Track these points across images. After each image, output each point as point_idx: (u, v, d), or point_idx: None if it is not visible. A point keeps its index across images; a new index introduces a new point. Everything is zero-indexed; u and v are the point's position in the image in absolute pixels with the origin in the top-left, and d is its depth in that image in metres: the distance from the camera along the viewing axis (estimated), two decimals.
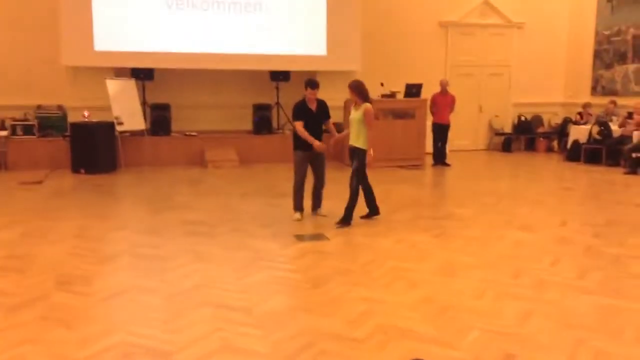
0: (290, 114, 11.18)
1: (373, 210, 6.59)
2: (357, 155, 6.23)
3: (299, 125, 6.34)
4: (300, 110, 6.40)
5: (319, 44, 11.47)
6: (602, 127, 11.26)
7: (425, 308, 4.04)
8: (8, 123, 10.14)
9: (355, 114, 6.25)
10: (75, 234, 5.92)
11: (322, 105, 6.50)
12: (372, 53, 12.02)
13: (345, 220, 6.26)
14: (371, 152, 6.22)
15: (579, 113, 12.47)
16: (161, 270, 4.81)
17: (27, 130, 10.18)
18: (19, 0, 10.55)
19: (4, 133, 10.01)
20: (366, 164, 6.26)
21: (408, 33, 12.58)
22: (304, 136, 6.31)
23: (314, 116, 6.42)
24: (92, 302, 4.11)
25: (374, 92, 10.90)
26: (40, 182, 8.78)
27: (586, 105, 12.45)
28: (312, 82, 6.37)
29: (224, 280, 4.57)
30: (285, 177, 9.22)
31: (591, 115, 12.23)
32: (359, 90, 6.21)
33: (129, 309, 4.01)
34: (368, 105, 6.19)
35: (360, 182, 6.29)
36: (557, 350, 3.42)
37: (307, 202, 6.70)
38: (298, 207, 6.58)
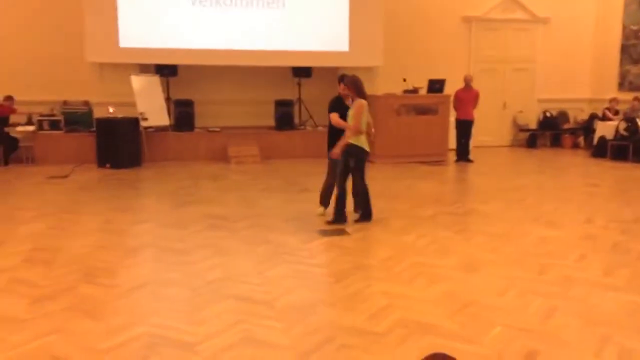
0: (312, 110, 11.32)
1: (339, 218, 6.15)
2: (354, 154, 6.05)
3: (335, 116, 6.17)
4: (337, 104, 6.28)
5: (341, 40, 11.44)
6: (630, 124, 11.06)
7: (447, 303, 4.02)
8: (35, 118, 10.33)
9: (350, 111, 6.07)
10: (100, 227, 6.01)
11: None
12: (394, 49, 11.96)
13: (365, 216, 6.24)
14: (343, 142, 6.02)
15: (607, 108, 12.25)
16: (184, 263, 4.86)
17: (54, 125, 10.36)
18: None
19: (31, 128, 10.20)
20: (365, 160, 6.14)
21: (431, 28, 12.49)
22: (340, 124, 6.12)
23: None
24: (117, 294, 4.17)
25: (397, 88, 10.90)
26: (66, 177, 8.93)
27: (613, 100, 12.24)
28: (344, 78, 6.27)
29: (246, 274, 4.60)
30: (306, 172, 9.26)
31: (618, 111, 12.04)
32: (355, 86, 6.03)
33: (153, 301, 4.05)
34: (361, 101, 5.97)
35: (363, 178, 6.16)
36: (582, 347, 3.37)
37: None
38: (324, 202, 6.50)
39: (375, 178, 9.00)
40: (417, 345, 3.36)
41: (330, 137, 6.35)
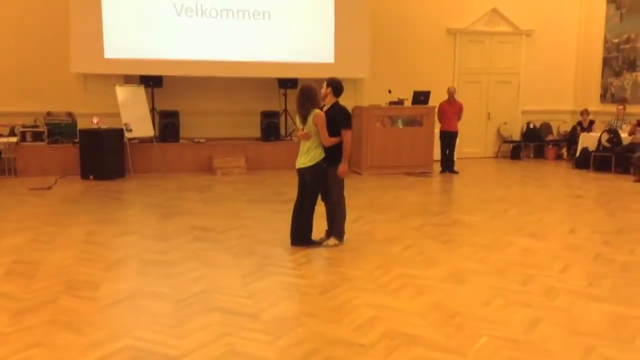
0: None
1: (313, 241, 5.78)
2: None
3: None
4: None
5: (326, 51, 11.48)
6: (612, 135, 11.21)
7: (433, 315, 4.02)
8: (18, 129, 10.20)
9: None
10: (83, 239, 5.93)
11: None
12: (380, 60, 12.04)
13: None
14: None
15: (579, 122, 12.47)
16: (168, 275, 4.81)
17: (37, 136, 10.23)
18: (30, 7, 10.66)
19: (13, 139, 10.07)
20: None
21: (416, 40, 12.60)
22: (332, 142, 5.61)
23: None
24: (100, 307, 4.12)
25: (383, 99, 10.95)
26: (49, 188, 8.83)
27: (584, 112, 12.45)
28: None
29: (231, 286, 4.56)
30: (293, 183, 9.20)
31: (593, 122, 12.25)
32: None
33: (136, 314, 4.01)
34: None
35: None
36: (566, 357, 3.38)
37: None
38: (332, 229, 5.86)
39: (362, 189, 9.05)
40: (403, 358, 3.36)
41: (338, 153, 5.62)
